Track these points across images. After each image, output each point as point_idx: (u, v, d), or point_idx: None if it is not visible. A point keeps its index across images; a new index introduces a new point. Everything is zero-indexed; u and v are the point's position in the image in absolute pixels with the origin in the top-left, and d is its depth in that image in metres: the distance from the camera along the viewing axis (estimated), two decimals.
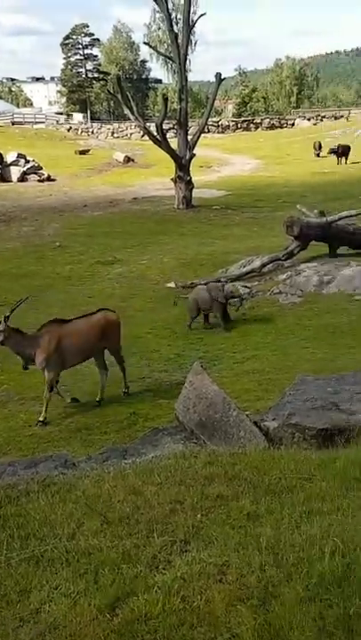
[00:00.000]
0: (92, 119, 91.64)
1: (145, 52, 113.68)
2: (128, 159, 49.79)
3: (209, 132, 65.52)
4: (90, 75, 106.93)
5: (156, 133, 30.47)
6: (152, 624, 3.10)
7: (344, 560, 3.36)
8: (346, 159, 44.76)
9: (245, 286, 17.18)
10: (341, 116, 78.08)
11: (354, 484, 4.40)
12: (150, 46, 37.90)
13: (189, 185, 31.32)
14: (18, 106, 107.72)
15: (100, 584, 3.45)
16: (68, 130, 72.40)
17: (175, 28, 33.06)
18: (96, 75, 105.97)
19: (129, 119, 42.21)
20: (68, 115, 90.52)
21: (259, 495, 4.33)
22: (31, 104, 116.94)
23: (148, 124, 35.65)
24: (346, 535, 3.61)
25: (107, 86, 78.08)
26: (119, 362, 11.05)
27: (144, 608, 3.19)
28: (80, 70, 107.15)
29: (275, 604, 3.11)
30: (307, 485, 4.45)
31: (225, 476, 4.66)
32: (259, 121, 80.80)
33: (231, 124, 79.78)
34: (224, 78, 35.18)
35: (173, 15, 33.60)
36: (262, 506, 4.16)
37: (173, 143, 31.93)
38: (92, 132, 72.73)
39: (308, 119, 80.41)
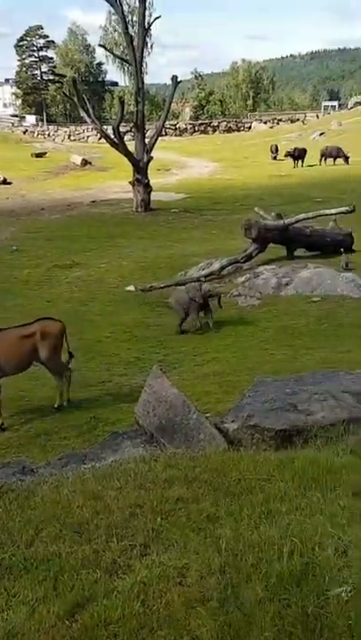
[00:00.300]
0: (49, 122, 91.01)
1: (101, 54, 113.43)
2: (85, 162, 49.57)
3: (166, 134, 65.65)
4: (45, 77, 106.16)
5: (113, 136, 30.41)
6: (112, 629, 3.09)
7: (302, 560, 3.40)
8: (302, 162, 45.23)
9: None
10: (297, 120, 79.04)
11: (312, 484, 4.45)
12: (106, 49, 37.91)
13: (148, 188, 31.33)
14: None
15: (60, 590, 3.43)
16: (24, 132, 71.79)
17: (131, 30, 33.06)
18: (51, 77, 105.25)
19: (86, 122, 42.02)
20: (21, 117, 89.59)
21: (218, 497, 4.35)
22: None
23: (104, 126, 35.56)
24: (304, 535, 3.66)
25: (62, 89, 77.53)
26: (56, 374, 10.56)
27: (104, 613, 3.18)
28: (35, 72, 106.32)
29: (234, 605, 3.13)
30: (266, 486, 4.49)
31: (185, 479, 4.67)
32: (216, 124, 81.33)
33: (189, 126, 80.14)
34: (180, 81, 35.31)
35: (129, 18, 33.64)
36: (222, 508, 4.18)
37: (131, 146, 31.90)
38: (49, 135, 72.27)
39: (265, 122, 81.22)
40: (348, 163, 43.86)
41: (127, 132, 38.94)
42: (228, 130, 79.39)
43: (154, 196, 31.98)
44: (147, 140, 32.43)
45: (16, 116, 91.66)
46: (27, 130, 74.10)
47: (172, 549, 3.72)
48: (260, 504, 4.18)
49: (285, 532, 3.71)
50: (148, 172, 31.73)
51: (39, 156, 53.45)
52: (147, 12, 32.96)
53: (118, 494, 4.50)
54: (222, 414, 7.00)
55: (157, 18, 33.86)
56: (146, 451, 5.76)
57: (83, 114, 31.95)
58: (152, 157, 31.96)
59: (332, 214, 20.55)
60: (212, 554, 3.57)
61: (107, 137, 31.13)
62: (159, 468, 4.92)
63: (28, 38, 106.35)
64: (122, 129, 31.00)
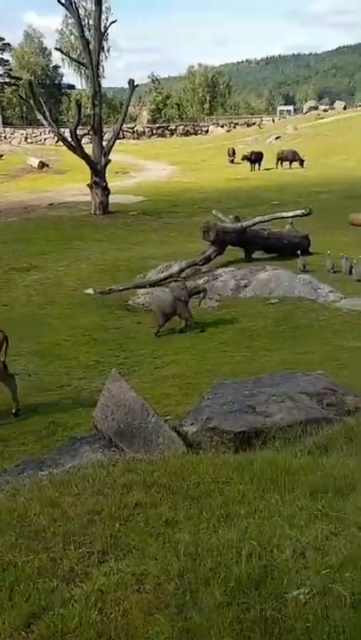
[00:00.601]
0: (5, 124, 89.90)
1: (57, 57, 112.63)
2: (43, 165, 49.12)
3: (124, 137, 65.46)
4: (0, 79, 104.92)
5: (70, 139, 30.20)
6: (68, 638, 3.03)
7: (261, 562, 3.38)
8: (259, 165, 45.59)
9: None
10: (254, 123, 79.60)
11: (270, 486, 4.44)
12: (62, 52, 37.56)
13: (106, 191, 31.18)
14: None
15: (15, 600, 3.35)
16: None
17: (87, 34, 32.89)
18: (7, 80, 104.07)
19: (43, 124, 41.65)
20: None
21: (177, 501, 4.31)
22: None
23: (62, 129, 35.27)
24: (263, 537, 3.64)
25: (19, 91, 76.72)
26: (2, 380, 10.39)
27: (60, 623, 3.11)
28: None
29: (193, 610, 3.09)
30: (225, 489, 4.46)
31: (144, 484, 4.62)
32: (173, 127, 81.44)
33: (146, 130, 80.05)
34: (137, 85, 35.24)
35: (85, 21, 33.46)
36: (181, 512, 4.14)
37: (89, 149, 31.73)
38: (5, 137, 71.42)
39: (222, 126, 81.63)
40: (303, 166, 44.38)
41: (85, 134, 38.71)
42: (186, 133, 79.57)
43: (112, 198, 31.86)
44: (104, 143, 32.30)
45: None
46: None
47: (130, 555, 3.67)
48: (219, 507, 4.15)
49: (244, 534, 3.69)
50: (106, 174, 31.60)
51: None
52: (103, 16, 32.88)
53: (76, 501, 4.43)
54: (182, 417, 6.97)
55: (113, 22, 33.86)
56: (104, 456, 5.69)
57: (39, 116, 31.66)
58: (110, 160, 31.83)
59: (288, 217, 20.75)
60: (171, 559, 3.53)
61: (64, 140, 30.89)
62: (118, 473, 4.86)
63: None
64: (79, 132, 30.80)
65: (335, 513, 3.91)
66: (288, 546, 3.55)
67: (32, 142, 69.20)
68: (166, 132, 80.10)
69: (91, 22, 33.19)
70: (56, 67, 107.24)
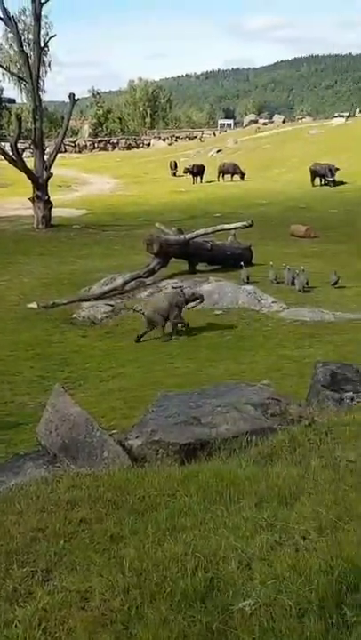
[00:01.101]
0: None
1: None
2: None
3: (66, 151, 65.28)
4: None
5: (11, 153, 29.91)
6: None
7: (207, 575, 3.36)
8: (201, 178, 46.00)
9: (108, 304, 17.18)
10: (195, 137, 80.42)
11: (216, 497, 4.43)
12: (1, 66, 37.15)
13: (48, 204, 30.96)
14: None
15: None
16: None
17: (27, 48, 32.67)
18: None
19: None
20: None
21: (122, 516, 4.27)
22: None
23: (2, 143, 34.93)
24: (208, 549, 3.62)
25: None
26: None
27: None
28: None
29: (138, 626, 3.05)
30: (170, 502, 4.44)
31: (88, 499, 4.56)
32: (115, 141, 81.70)
33: (88, 143, 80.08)
34: (78, 99, 35.20)
35: (24, 36, 33.18)
36: (126, 527, 4.10)
37: (30, 163, 31.48)
38: None
39: (164, 139, 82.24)
40: (243, 179, 44.97)
41: (26, 148, 38.41)
42: (128, 147, 79.90)
43: (55, 212, 31.64)
44: (46, 157, 32.10)
45: None
46: None
47: (75, 573, 3.60)
48: (165, 520, 4.12)
49: (190, 547, 3.67)
50: (49, 188, 31.38)
51: None
52: (42, 31, 32.73)
53: (19, 519, 4.34)
54: (127, 431, 6.93)
55: (53, 36, 33.78)
56: (49, 472, 5.59)
57: None
58: (52, 174, 31.64)
59: (231, 229, 20.96)
60: (116, 575, 3.49)
61: (5, 154, 30.58)
62: (62, 489, 4.79)
63: None
64: (20, 146, 30.56)
65: (280, 523, 3.92)
66: (234, 557, 3.54)
67: None
68: (108, 145, 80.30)
69: (30, 36, 32.99)
70: None
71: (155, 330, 14.79)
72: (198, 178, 46.07)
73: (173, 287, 15.67)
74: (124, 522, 4.17)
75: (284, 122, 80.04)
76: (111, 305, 17.08)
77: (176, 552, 3.62)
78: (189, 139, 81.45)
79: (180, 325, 14.90)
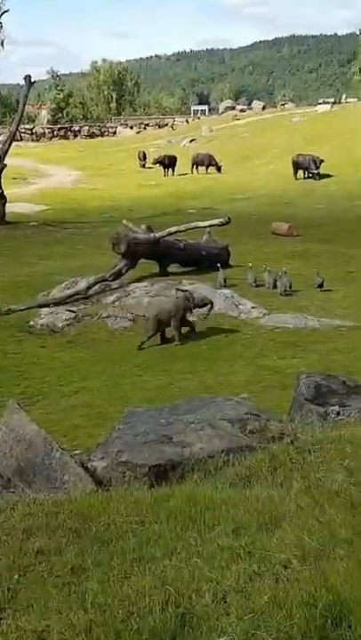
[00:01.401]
0: None
1: None
2: None
3: (22, 140, 65.02)
4: None
5: None
6: None
7: (178, 610, 3.37)
8: (173, 170, 46.13)
9: (70, 310, 17.13)
10: (166, 125, 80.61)
11: (189, 524, 4.45)
12: None
13: (2, 199, 30.86)
14: None
15: None
16: None
17: None
18: None
19: None
20: None
21: (85, 546, 4.26)
22: None
23: None
24: (180, 582, 3.64)
25: None
26: None
27: None
28: None
29: None
30: (138, 530, 4.45)
31: (46, 528, 4.55)
32: (77, 128, 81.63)
33: (47, 131, 79.82)
34: (35, 81, 35.17)
35: None
36: (89, 558, 4.10)
37: None
38: None
39: (131, 127, 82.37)
40: (220, 171, 45.18)
41: None
42: (92, 135, 79.85)
43: (9, 207, 31.51)
44: None
45: None
46: None
47: (31, 610, 3.59)
48: (132, 550, 4.13)
49: (159, 580, 3.68)
50: (2, 181, 31.25)
51: None
52: None
53: None
54: (92, 451, 6.93)
55: (6, 11, 33.81)
56: (2, 498, 5.56)
57: None
58: (5, 165, 31.56)
59: (206, 226, 21.03)
60: (77, 612, 3.48)
61: None
62: (17, 517, 4.77)
63: None
64: None
65: (259, 551, 3.95)
66: (208, 590, 3.56)
67: None
68: (69, 133, 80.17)
69: None
70: None
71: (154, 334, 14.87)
72: (170, 170, 46.19)
73: (178, 290, 15.68)
74: (86, 552, 4.16)
75: (263, 108, 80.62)
76: (73, 311, 17.03)
77: (144, 585, 3.63)
78: (159, 126, 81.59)
79: (179, 334, 14.95)
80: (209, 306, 15.56)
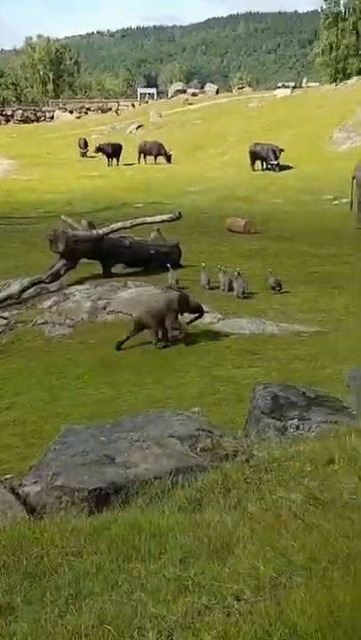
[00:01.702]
0: None
1: None
2: None
3: None
4: None
5: None
6: None
7: None
8: (117, 160, 46.14)
9: (1, 316, 16.98)
10: (110, 109, 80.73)
11: (132, 554, 4.44)
12: None
13: None
14: None
15: None
16: None
17: None
18: None
19: None
20: None
21: (14, 582, 4.22)
22: None
23: None
24: (121, 619, 3.63)
25: None
26: None
27: None
28: None
29: None
30: (75, 562, 4.42)
31: None
32: (10, 112, 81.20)
33: None
34: None
35: None
36: (18, 595, 4.06)
37: None
38: None
39: (71, 112, 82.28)
40: (170, 161, 45.32)
41: None
42: (26, 120, 79.53)
43: None
44: None
45: None
46: None
47: None
48: (68, 585, 4.10)
49: (98, 617, 3.66)
50: None
51: None
52: None
53: None
54: (24, 474, 6.87)
55: None
56: None
57: None
58: None
59: (155, 222, 21.06)
60: None
61: None
62: None
63: None
64: None
65: (209, 582, 3.95)
66: (152, 627, 3.55)
67: None
68: (1, 117, 79.56)
69: None
70: None
71: (150, 334, 14.78)
72: (114, 159, 46.18)
73: (175, 289, 15.62)
74: (15, 589, 4.13)
75: (217, 92, 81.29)
76: (5, 317, 16.88)
77: (80, 624, 3.61)
78: (102, 111, 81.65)
79: (177, 333, 14.91)
80: (198, 314, 15.49)
